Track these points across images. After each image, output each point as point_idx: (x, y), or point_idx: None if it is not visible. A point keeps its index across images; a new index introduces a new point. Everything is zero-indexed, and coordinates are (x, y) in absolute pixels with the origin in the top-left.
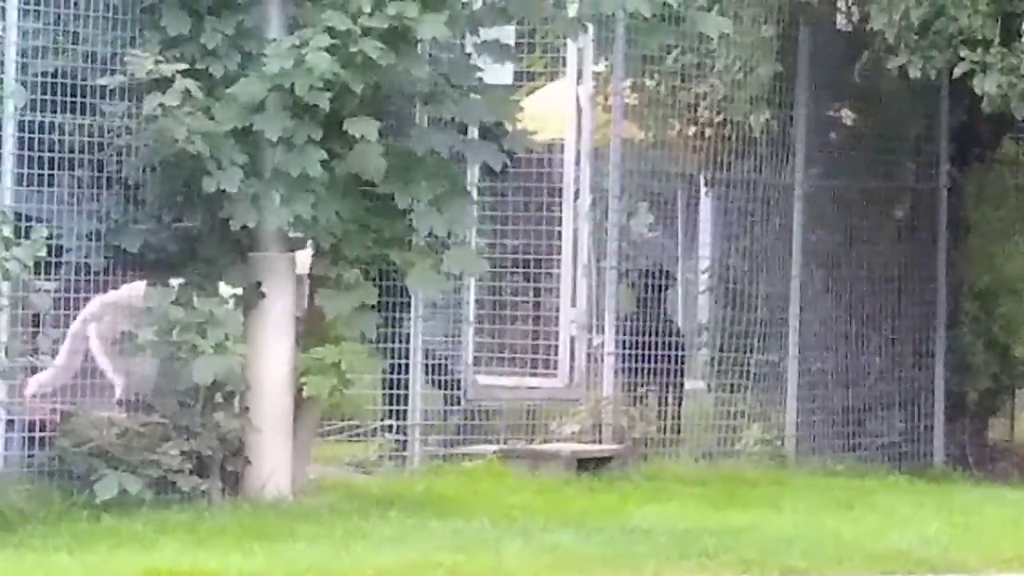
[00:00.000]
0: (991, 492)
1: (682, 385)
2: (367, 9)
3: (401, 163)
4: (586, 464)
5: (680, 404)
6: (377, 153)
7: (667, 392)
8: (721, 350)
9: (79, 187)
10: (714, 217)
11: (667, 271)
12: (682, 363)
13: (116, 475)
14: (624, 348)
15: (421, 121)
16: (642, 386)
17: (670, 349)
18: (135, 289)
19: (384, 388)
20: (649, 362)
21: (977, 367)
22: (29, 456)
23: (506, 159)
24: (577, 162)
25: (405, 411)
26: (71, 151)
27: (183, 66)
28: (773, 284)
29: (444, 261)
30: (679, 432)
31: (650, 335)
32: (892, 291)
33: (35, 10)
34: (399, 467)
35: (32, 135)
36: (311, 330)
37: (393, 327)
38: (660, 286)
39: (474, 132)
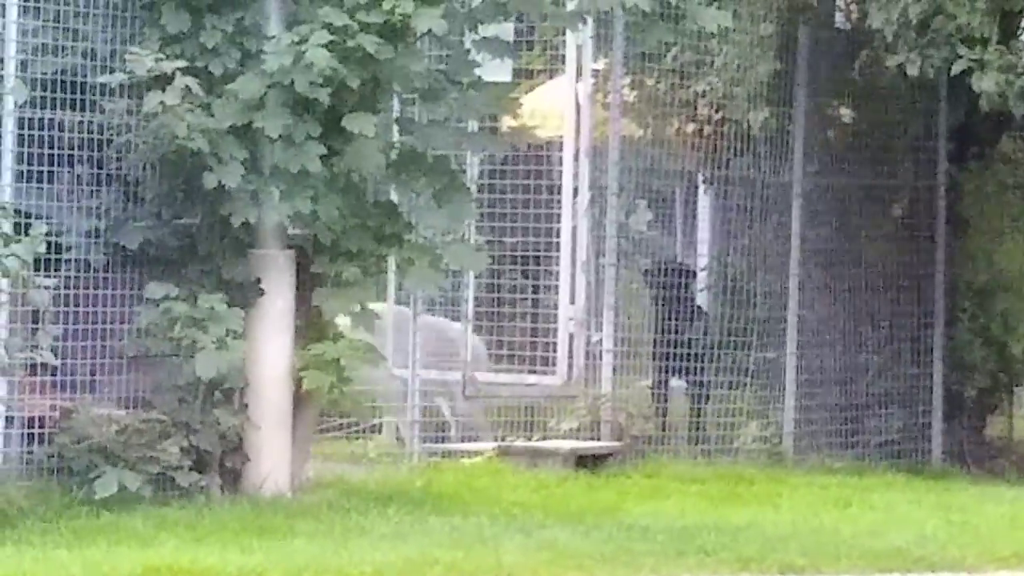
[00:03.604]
0: (989, 490)
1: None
2: (363, 3)
3: (401, 159)
4: (584, 461)
5: (706, 400)
6: (375, 149)
7: (695, 389)
8: (720, 347)
9: (79, 184)
10: (713, 215)
11: (688, 266)
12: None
13: (115, 472)
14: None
15: (421, 117)
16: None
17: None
18: None
19: None
20: (679, 360)
21: (975, 365)
22: (29, 452)
23: (507, 148)
24: (576, 159)
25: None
26: (71, 148)
27: (183, 63)
28: (771, 282)
29: (444, 257)
30: (701, 429)
31: (682, 332)
32: (890, 289)
33: (35, 7)
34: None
35: (32, 132)
36: (310, 327)
37: None
38: (682, 283)
39: (473, 129)
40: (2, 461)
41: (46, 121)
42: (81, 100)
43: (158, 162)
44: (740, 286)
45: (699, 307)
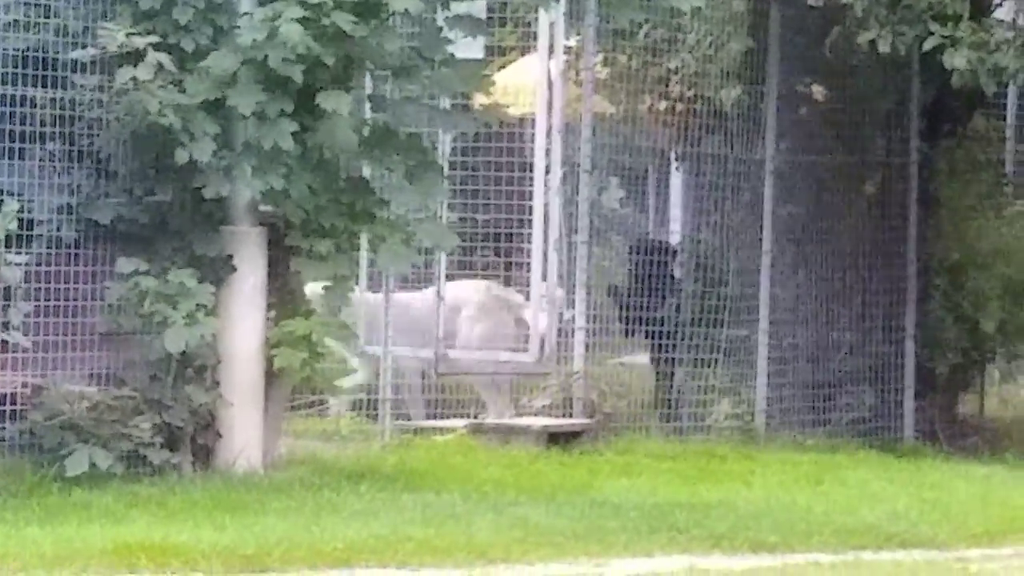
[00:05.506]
0: (960, 467)
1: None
2: None
3: (373, 136)
4: (556, 438)
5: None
6: (348, 127)
7: (666, 366)
8: (692, 325)
9: (51, 160)
10: (685, 192)
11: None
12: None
13: (87, 449)
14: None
15: (393, 94)
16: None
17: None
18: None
19: None
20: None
21: (947, 342)
22: (0, 429)
23: (479, 126)
24: (548, 136)
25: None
26: (43, 124)
27: (155, 39)
28: (744, 259)
29: (415, 235)
30: (672, 406)
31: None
32: (862, 266)
33: None
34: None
35: (3, 108)
36: (283, 304)
37: None
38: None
39: (445, 106)
40: None
41: (18, 97)
42: (53, 77)
43: (130, 138)
44: (712, 263)
45: (675, 280)
